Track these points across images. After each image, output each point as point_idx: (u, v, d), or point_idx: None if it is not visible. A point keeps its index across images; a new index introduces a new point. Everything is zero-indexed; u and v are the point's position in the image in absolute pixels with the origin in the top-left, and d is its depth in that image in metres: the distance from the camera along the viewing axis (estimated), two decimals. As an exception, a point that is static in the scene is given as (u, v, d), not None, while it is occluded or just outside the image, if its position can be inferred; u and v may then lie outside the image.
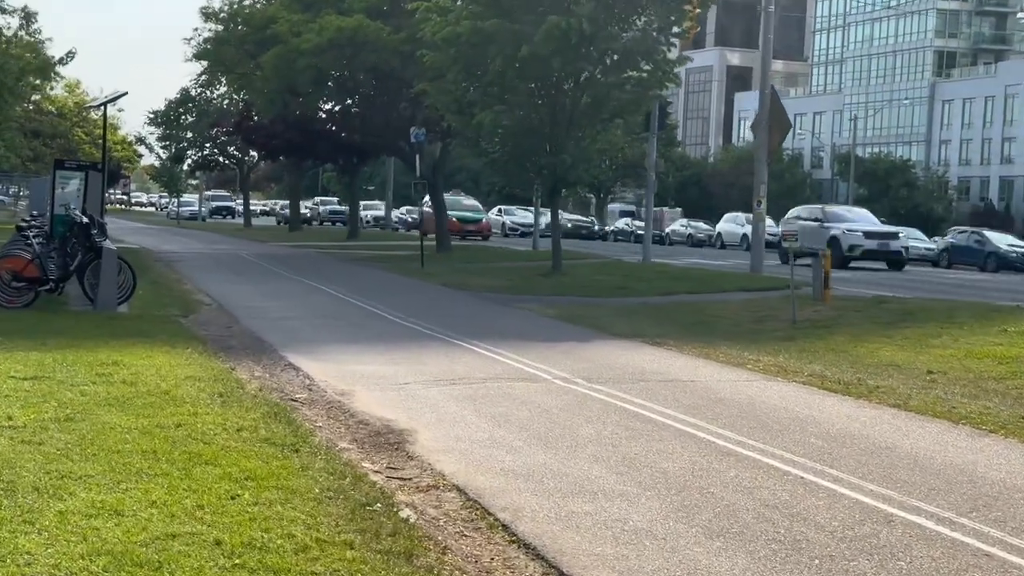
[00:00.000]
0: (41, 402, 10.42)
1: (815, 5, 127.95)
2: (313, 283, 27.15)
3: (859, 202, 72.48)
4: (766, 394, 12.92)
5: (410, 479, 8.78)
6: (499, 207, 72.32)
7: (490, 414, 11.34)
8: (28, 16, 35.42)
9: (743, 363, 15.29)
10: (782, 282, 27.50)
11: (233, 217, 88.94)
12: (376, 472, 8.92)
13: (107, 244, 19.70)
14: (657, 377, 13.90)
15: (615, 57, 27.92)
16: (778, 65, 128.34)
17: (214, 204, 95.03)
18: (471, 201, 58.22)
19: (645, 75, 28.12)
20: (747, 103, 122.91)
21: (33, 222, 24.51)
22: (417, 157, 34.05)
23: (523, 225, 66.96)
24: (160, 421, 9.82)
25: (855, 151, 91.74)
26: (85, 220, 20.52)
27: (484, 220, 55.87)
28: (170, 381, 11.92)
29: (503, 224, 67.63)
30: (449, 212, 44.76)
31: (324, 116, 48.58)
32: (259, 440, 9.35)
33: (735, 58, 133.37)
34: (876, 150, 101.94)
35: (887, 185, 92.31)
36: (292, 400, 11.99)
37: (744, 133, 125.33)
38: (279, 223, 78.85)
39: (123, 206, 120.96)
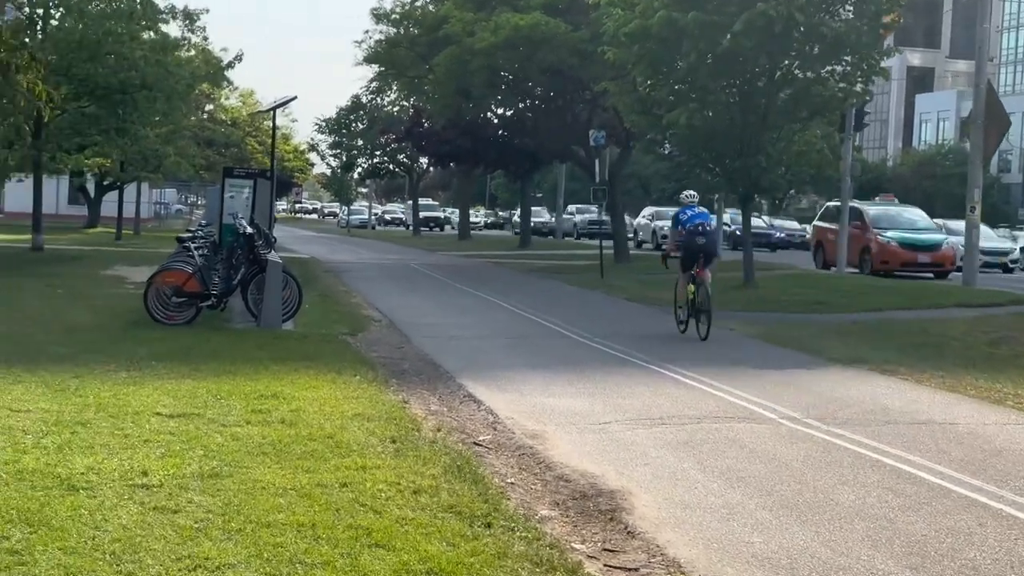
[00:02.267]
0: (185, 450, 8.79)
1: (1001, 3, 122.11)
2: (487, 296, 25.44)
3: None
4: (1047, 443, 10.58)
5: (637, 570, 6.81)
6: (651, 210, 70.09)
7: (717, 469, 9.31)
8: (190, 16, 34.66)
9: (1002, 399, 12.91)
10: (1005, 296, 24.77)
11: (441, 229, 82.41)
12: (591, 557, 6.98)
13: (272, 256, 18.26)
14: (905, 418, 11.64)
15: (815, 50, 25.48)
16: (960, 65, 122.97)
17: (422, 215, 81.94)
18: (917, 214, 37.73)
19: (849, 68, 25.61)
20: (929, 104, 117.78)
21: (198, 232, 23.38)
22: (596, 162, 32.07)
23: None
24: (322, 478, 8.08)
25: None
26: (249, 231, 19.14)
27: (946, 246, 34.29)
28: (335, 421, 10.20)
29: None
30: (884, 232, 33.94)
31: (496, 121, 46.98)
32: (442, 508, 7.50)
33: (916, 58, 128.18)
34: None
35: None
36: (476, 444, 10.16)
37: (925, 136, 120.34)
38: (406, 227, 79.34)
39: (292, 214, 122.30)
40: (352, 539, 6.71)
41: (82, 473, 7.93)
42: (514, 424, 11.16)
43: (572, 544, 7.20)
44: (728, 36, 24.51)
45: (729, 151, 26.18)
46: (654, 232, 51.82)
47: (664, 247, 22.55)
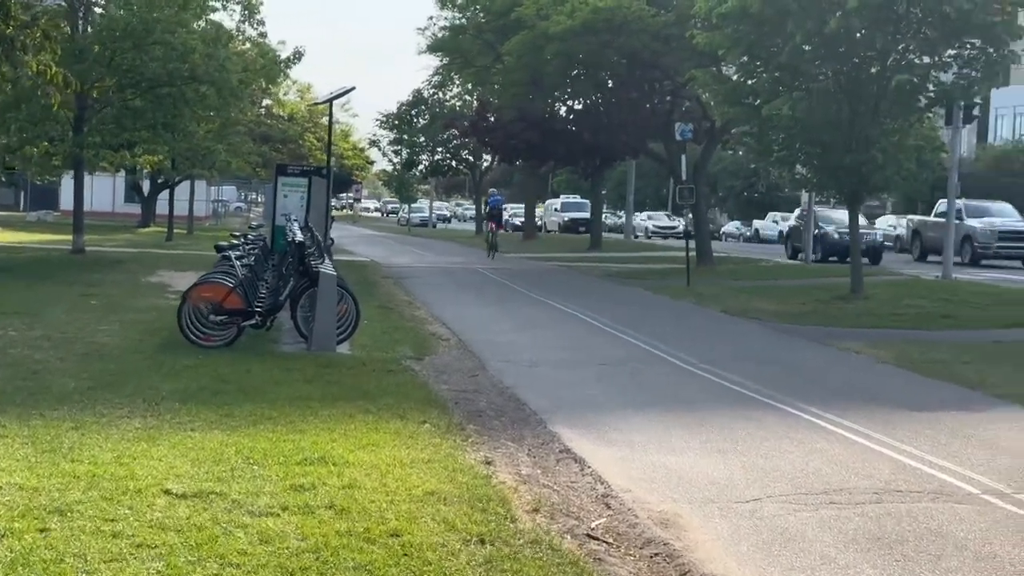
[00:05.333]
0: (192, 564, 6.24)
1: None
2: (565, 307, 22.79)
3: None
4: None
5: None
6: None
7: (939, 590, 6.63)
8: (250, 7, 32.15)
9: None
10: None
11: (587, 230, 60.62)
12: None
13: (325, 268, 15.71)
14: None
15: (935, 31, 22.57)
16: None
17: (566, 216, 72.00)
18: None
19: (976, 53, 22.67)
20: (1005, 99, 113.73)
21: (247, 236, 20.94)
22: (684, 157, 29.25)
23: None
24: (384, 622, 5.49)
25: None
26: (300, 238, 16.63)
27: None
28: (401, 505, 7.62)
29: (757, 232, 62.88)
30: None
31: (566, 114, 44.19)
32: None
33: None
34: None
35: None
36: (589, 536, 7.54)
37: (1001, 131, 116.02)
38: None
39: (350, 211, 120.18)
40: None
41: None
42: (634, 500, 8.52)
43: None
44: (838, 15, 21.72)
45: (837, 145, 23.32)
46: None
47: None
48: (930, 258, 39.96)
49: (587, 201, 73.69)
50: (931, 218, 41.57)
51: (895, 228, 47.37)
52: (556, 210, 76.80)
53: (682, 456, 9.94)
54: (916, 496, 8.64)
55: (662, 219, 73.84)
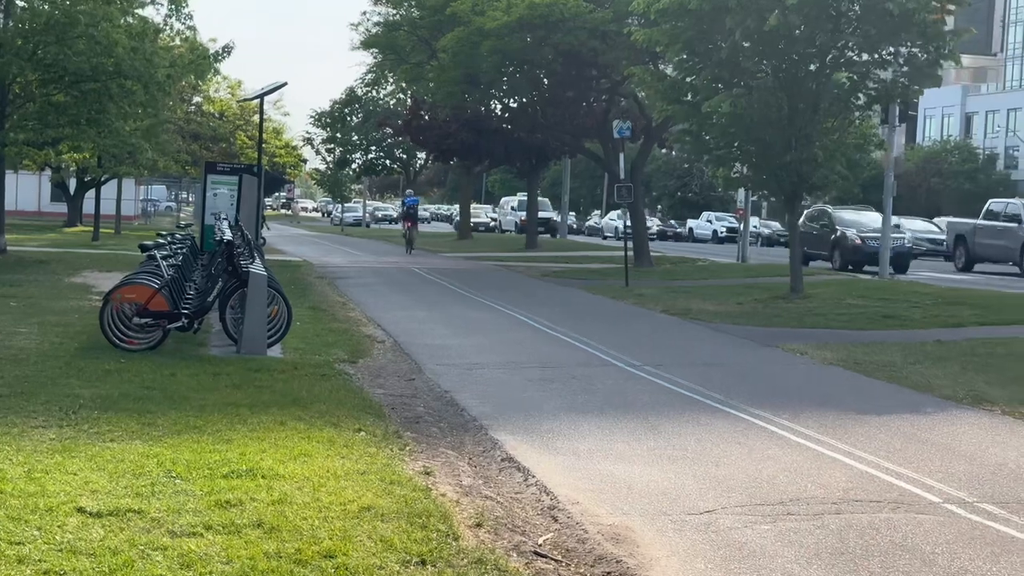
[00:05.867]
0: (103, 593, 5.69)
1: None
2: (505, 308, 22.31)
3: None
4: None
5: None
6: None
7: (912, 610, 6.22)
8: (176, 1, 31.22)
9: None
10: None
11: (554, 235, 64.15)
12: None
13: (255, 268, 15.10)
14: (1116, 501, 8.55)
15: (876, 29, 22.35)
16: (965, 60, 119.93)
17: (523, 215, 64.71)
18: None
19: (916, 51, 22.49)
20: (934, 100, 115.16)
21: (174, 236, 20.24)
22: (621, 156, 28.85)
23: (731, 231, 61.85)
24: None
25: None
26: (228, 237, 16.00)
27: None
28: (335, 521, 7.09)
29: (691, 230, 62.94)
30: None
31: (501, 113, 43.65)
32: None
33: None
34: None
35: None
36: (536, 555, 7.07)
37: (929, 132, 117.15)
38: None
39: (289, 211, 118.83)
40: None
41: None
42: (582, 513, 8.06)
43: None
44: (776, 11, 21.42)
45: (777, 143, 23.05)
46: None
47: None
48: (978, 267, 36.04)
49: (546, 199, 72.68)
50: (980, 221, 37.06)
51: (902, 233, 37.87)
52: (513, 208, 71.76)
53: (631, 464, 9.50)
54: (876, 506, 8.25)
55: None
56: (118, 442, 9.12)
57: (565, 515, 8.04)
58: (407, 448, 9.67)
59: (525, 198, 70.11)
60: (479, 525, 7.55)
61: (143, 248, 16.08)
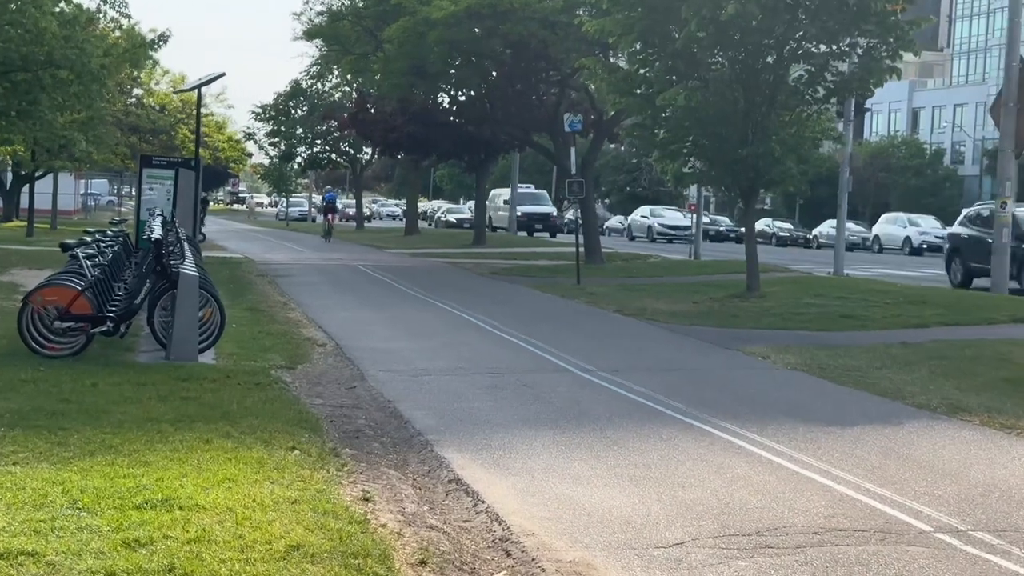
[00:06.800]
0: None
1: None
2: (450, 308, 21.45)
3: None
4: None
5: None
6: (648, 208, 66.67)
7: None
8: (106, -15, 30.07)
9: None
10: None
11: (553, 235, 59.87)
12: None
13: (186, 268, 14.16)
14: (1120, 528, 7.83)
15: (834, 19, 21.69)
16: (911, 55, 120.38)
17: (518, 211, 60.49)
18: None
19: (876, 42, 21.85)
20: (881, 96, 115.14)
21: (106, 233, 19.22)
22: (572, 150, 28.06)
23: (674, 229, 60.81)
24: None
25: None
26: (157, 235, 15.03)
27: None
28: (258, 566, 6.22)
29: (649, 227, 62.18)
30: None
31: (449, 106, 42.73)
32: None
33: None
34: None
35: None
36: (489, 599, 6.25)
37: (876, 127, 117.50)
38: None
39: (244, 207, 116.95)
40: None
41: None
42: (538, 547, 7.24)
43: None
44: (733, 1, 20.71)
45: (733, 137, 22.34)
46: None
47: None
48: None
49: (544, 192, 70.48)
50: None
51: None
52: (505, 202, 62.51)
53: (590, 486, 8.69)
54: (862, 536, 7.49)
55: (677, 217, 63.70)
56: (22, 465, 8.21)
57: (519, 549, 7.22)
58: (345, 468, 8.82)
59: (527, 190, 66.88)
60: (423, 563, 6.72)
61: (64, 247, 15.07)
